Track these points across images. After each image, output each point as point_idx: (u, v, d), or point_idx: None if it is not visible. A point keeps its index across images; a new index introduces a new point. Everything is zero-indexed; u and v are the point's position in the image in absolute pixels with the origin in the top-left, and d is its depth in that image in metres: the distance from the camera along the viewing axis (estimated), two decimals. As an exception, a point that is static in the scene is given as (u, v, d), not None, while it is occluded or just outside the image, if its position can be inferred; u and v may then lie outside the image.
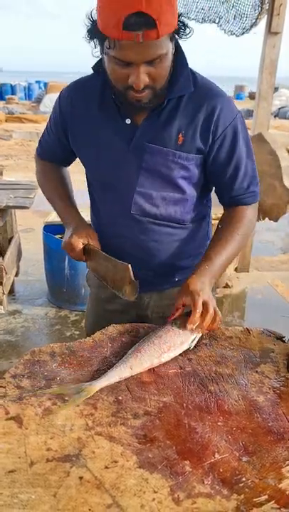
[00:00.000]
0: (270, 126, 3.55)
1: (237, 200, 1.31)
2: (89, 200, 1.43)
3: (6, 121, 13.40)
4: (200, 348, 1.17)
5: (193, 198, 1.31)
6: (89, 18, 1.08)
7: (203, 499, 0.75)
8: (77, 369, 1.07)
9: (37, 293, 3.55)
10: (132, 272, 1.16)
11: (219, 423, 0.92)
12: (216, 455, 0.84)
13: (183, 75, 1.17)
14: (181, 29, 1.10)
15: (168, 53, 1.08)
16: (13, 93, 20.21)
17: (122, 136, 1.22)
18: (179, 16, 1.08)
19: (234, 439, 0.88)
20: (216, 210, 1.41)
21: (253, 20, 3.13)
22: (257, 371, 1.10)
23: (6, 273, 3.02)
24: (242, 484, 0.78)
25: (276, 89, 14.89)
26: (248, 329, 1.26)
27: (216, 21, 3.17)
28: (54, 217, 3.19)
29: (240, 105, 15.38)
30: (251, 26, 3.15)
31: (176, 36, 1.11)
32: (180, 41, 1.15)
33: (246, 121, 1.45)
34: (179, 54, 1.16)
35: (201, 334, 1.18)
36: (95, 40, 1.09)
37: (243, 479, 0.79)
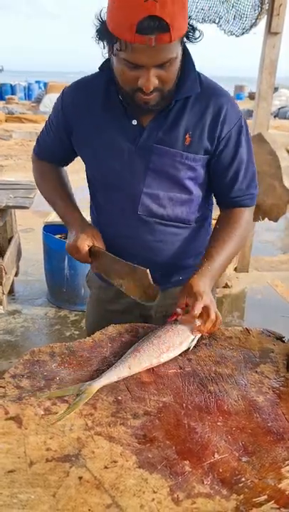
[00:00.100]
0: (269, 126, 3.55)
1: (235, 202, 1.32)
2: (85, 200, 1.42)
3: (5, 121, 13.39)
4: (199, 348, 1.17)
5: (199, 199, 1.32)
6: (98, 19, 1.07)
7: (202, 499, 0.75)
8: (76, 369, 1.07)
9: (37, 293, 3.54)
10: (150, 276, 1.15)
11: (219, 423, 0.92)
12: (216, 455, 0.84)
13: (190, 77, 1.17)
14: (190, 33, 1.09)
15: (178, 57, 1.08)
16: (13, 93, 20.19)
17: (128, 137, 1.21)
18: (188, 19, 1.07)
19: (234, 439, 0.88)
20: (218, 210, 1.41)
21: (253, 21, 3.13)
22: (256, 371, 1.10)
23: (6, 273, 3.02)
24: (241, 484, 0.78)
25: (276, 89, 14.89)
26: (247, 329, 1.26)
27: (216, 21, 3.17)
28: (54, 217, 3.19)
29: (240, 105, 15.27)
30: (251, 26, 3.15)
31: (186, 40, 1.10)
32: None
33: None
34: (186, 57, 1.15)
35: (200, 335, 1.18)
36: (104, 40, 1.08)
37: (243, 479, 0.79)
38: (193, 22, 1.10)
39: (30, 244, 4.11)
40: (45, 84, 19.49)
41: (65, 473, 0.79)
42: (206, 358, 1.14)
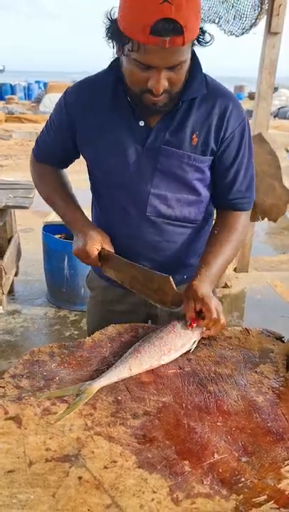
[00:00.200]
0: (269, 126, 3.55)
1: (233, 204, 1.32)
2: (85, 200, 1.41)
3: (5, 121, 13.39)
4: (199, 348, 1.17)
5: (206, 199, 1.33)
6: (108, 18, 1.06)
7: (202, 499, 0.75)
8: (76, 369, 1.07)
9: (36, 293, 3.54)
10: (174, 284, 1.13)
11: (218, 423, 0.92)
12: (215, 455, 0.84)
13: (197, 79, 1.17)
14: (200, 36, 1.08)
15: (188, 59, 1.08)
16: (13, 93, 20.19)
17: (135, 138, 1.21)
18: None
19: (233, 440, 0.88)
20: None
21: (253, 21, 3.12)
22: (256, 371, 1.10)
23: (6, 273, 3.02)
24: (241, 484, 0.78)
25: (276, 89, 14.90)
26: (247, 329, 1.26)
27: (216, 21, 3.17)
28: (54, 217, 3.19)
29: (240, 105, 15.35)
30: (251, 26, 3.15)
31: (197, 43, 1.09)
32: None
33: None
34: (194, 59, 1.15)
35: (201, 336, 1.18)
36: (113, 40, 1.08)
37: (242, 479, 0.79)
38: (204, 25, 1.09)
39: (30, 244, 4.11)
40: (45, 84, 19.49)
41: (65, 474, 0.79)
42: (205, 358, 1.14)
